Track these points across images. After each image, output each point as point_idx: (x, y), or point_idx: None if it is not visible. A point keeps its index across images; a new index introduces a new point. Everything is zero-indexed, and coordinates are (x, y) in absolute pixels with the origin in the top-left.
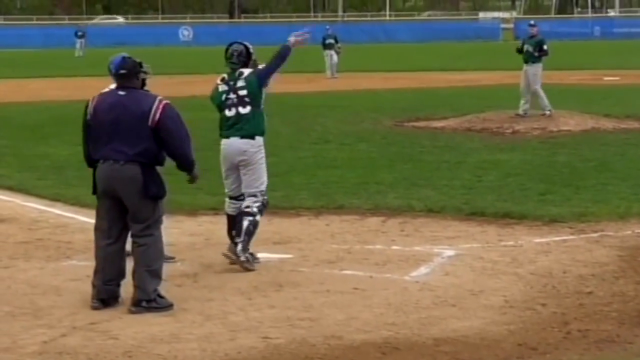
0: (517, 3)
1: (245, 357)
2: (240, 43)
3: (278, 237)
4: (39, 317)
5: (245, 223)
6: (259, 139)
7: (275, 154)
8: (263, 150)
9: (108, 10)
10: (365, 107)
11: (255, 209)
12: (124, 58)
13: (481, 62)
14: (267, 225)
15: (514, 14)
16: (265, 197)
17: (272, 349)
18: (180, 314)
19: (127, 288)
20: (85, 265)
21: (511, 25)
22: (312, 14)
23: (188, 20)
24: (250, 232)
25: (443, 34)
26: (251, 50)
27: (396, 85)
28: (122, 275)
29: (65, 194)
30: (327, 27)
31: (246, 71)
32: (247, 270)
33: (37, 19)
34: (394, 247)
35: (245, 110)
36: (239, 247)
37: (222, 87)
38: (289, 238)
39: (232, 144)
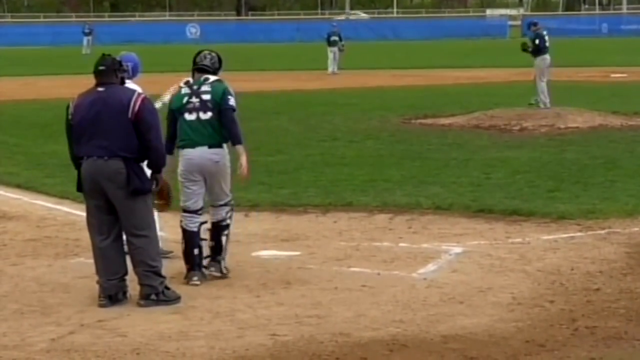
0: (524, 0)
1: (253, 355)
2: (212, 51)
3: (286, 234)
4: (47, 314)
5: (224, 239)
6: (225, 147)
7: (283, 151)
8: (228, 165)
9: (116, 8)
10: (373, 105)
11: (229, 220)
12: (103, 55)
13: (489, 59)
14: (275, 223)
15: (522, 11)
16: (232, 203)
17: (280, 346)
18: (189, 312)
19: (134, 285)
20: (93, 262)
21: (519, 23)
22: (319, 12)
23: (195, 18)
24: (227, 245)
25: (450, 32)
26: (222, 61)
27: (404, 82)
28: (123, 269)
29: (73, 191)
30: (334, 24)
31: (213, 77)
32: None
33: (45, 17)
34: (402, 245)
35: (205, 116)
36: (222, 264)
37: (185, 90)
38: (296, 235)
39: (201, 155)
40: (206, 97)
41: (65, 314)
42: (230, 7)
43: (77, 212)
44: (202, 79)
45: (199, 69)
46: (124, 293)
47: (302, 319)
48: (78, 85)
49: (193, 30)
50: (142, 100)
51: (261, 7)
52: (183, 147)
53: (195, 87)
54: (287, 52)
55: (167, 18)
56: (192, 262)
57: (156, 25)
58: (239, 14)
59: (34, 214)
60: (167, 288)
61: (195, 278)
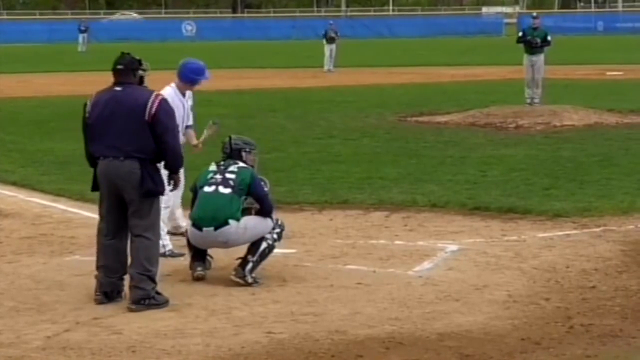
0: None
1: (249, 352)
2: (241, 137)
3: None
4: (43, 312)
5: (263, 245)
6: (232, 223)
7: (279, 149)
8: (242, 219)
9: (112, 5)
10: (369, 102)
11: (275, 236)
12: (122, 54)
13: (485, 57)
14: None
15: (517, 8)
16: (281, 224)
17: (276, 344)
18: (185, 309)
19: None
20: (88, 260)
21: (514, 20)
22: (315, 9)
23: (191, 15)
24: (264, 255)
25: (446, 29)
26: (251, 143)
27: (400, 80)
28: (123, 269)
29: (69, 189)
30: (331, 22)
31: (241, 163)
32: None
33: (40, 14)
34: (398, 242)
35: (225, 190)
36: (249, 266)
37: (212, 167)
38: (292, 233)
39: (206, 237)
40: (230, 175)
41: (61, 312)
42: (226, 5)
43: (73, 209)
44: (231, 161)
45: (229, 155)
46: (119, 292)
47: (297, 317)
48: (74, 82)
49: (189, 27)
50: (160, 102)
51: (257, 4)
52: (193, 224)
53: (222, 167)
54: (283, 50)
55: (163, 15)
56: (195, 247)
57: (152, 22)
58: (234, 11)
59: (29, 212)
60: (158, 293)
61: (200, 269)
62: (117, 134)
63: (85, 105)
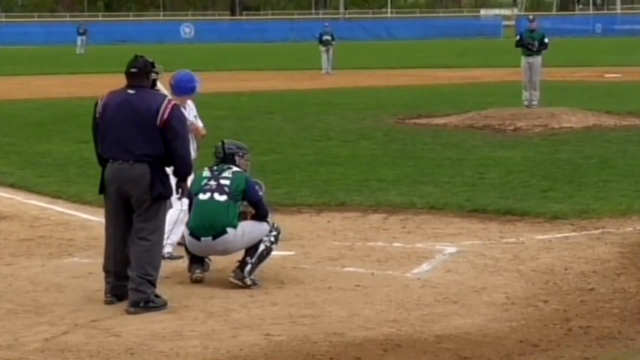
0: (518, 0)
1: (247, 354)
2: (234, 142)
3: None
4: (41, 314)
5: (262, 247)
6: (230, 230)
7: (277, 151)
8: (240, 225)
9: (110, 7)
10: (367, 105)
11: (272, 239)
12: (136, 56)
13: (483, 59)
14: None
15: (516, 11)
16: (277, 227)
17: (273, 346)
18: (183, 311)
19: None
20: (87, 262)
21: (513, 22)
22: (313, 11)
23: (189, 18)
24: (262, 257)
25: (444, 31)
26: (243, 147)
27: (398, 82)
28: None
29: (67, 191)
30: (326, 24)
31: (235, 168)
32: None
33: (39, 16)
34: (396, 244)
35: (221, 197)
36: (248, 267)
37: (206, 173)
38: (290, 235)
39: (205, 247)
40: (224, 182)
41: (59, 314)
42: (224, 7)
43: (71, 211)
44: (224, 166)
45: (222, 160)
46: (126, 294)
47: (296, 319)
48: (72, 84)
49: (187, 29)
50: (172, 108)
51: (255, 6)
52: (190, 233)
53: (216, 172)
54: (281, 52)
55: (161, 18)
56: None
57: (150, 24)
58: (233, 13)
59: (27, 214)
60: (156, 295)
61: (198, 271)
62: (128, 138)
63: (96, 104)
